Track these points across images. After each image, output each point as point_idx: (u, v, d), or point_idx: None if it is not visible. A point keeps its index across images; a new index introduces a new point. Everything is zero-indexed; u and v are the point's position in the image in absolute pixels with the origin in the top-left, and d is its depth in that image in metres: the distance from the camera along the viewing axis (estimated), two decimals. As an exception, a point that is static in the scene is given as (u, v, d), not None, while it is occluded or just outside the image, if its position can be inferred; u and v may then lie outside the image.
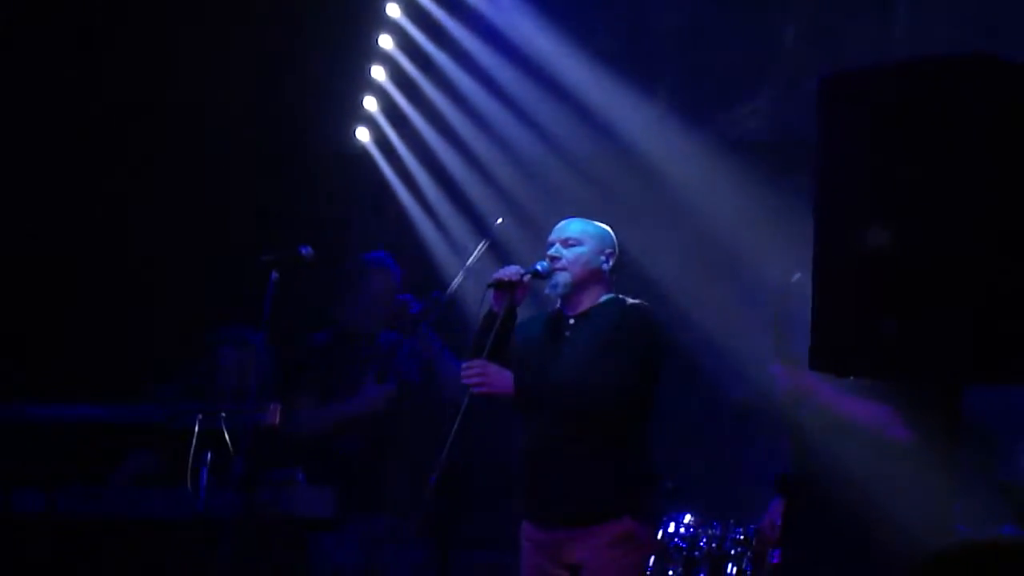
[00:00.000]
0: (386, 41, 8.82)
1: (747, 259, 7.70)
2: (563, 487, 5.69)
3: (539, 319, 5.99)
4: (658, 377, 5.84)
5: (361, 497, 6.79)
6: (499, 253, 8.02)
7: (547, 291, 5.87)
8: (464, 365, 5.69)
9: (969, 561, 2.43)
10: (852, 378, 5.25)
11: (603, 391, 5.65)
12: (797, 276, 3.97)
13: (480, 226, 8.37)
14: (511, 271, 5.78)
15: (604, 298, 5.90)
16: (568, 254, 5.82)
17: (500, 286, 5.74)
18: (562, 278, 5.81)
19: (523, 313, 5.93)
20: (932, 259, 3.74)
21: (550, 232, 5.97)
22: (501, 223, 6.75)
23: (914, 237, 3.78)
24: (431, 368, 6.92)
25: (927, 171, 3.76)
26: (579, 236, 5.87)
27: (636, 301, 5.89)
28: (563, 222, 5.97)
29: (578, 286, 5.84)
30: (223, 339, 7.00)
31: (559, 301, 5.91)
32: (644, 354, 5.75)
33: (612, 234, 5.97)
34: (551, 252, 5.83)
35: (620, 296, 5.91)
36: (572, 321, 5.87)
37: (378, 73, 8.85)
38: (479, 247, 6.33)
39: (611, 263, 5.92)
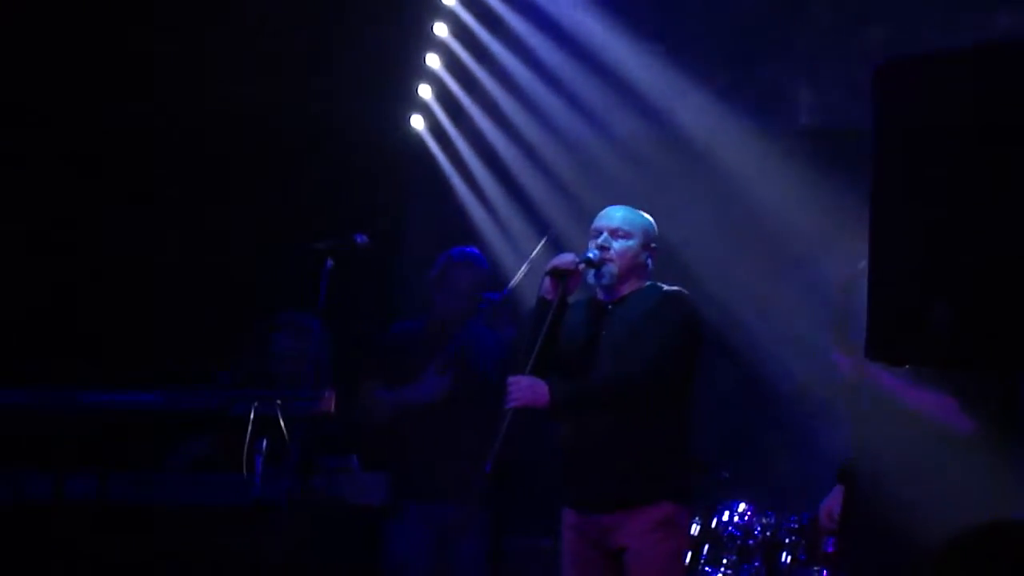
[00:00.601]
0: (441, 29, 8.81)
1: (798, 248, 7.67)
2: (601, 472, 5.74)
3: (579, 306, 6.00)
4: (693, 362, 5.88)
5: (421, 484, 6.82)
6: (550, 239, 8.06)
7: (592, 280, 5.89)
8: (509, 380, 5.71)
9: (997, 538, 2.41)
10: (911, 367, 5.24)
11: (636, 381, 5.68)
12: (863, 264, 3.95)
13: (531, 214, 8.38)
14: (567, 259, 5.80)
15: (643, 285, 5.92)
16: (616, 246, 5.85)
17: (556, 274, 5.77)
18: (608, 269, 5.85)
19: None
20: (989, 247, 3.71)
21: (596, 218, 5.99)
22: (553, 232, 6.79)
23: (972, 224, 3.75)
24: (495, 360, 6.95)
25: (986, 158, 3.73)
26: (628, 228, 5.89)
27: (673, 288, 5.92)
28: (609, 210, 5.99)
29: (622, 277, 5.86)
30: (278, 325, 7.03)
31: (599, 289, 5.94)
32: (678, 338, 5.79)
33: (655, 225, 5.99)
34: (600, 241, 5.86)
35: (658, 284, 5.93)
36: (610, 307, 5.90)
37: (433, 61, 8.85)
38: (540, 243, 6.38)
39: (653, 255, 5.94)
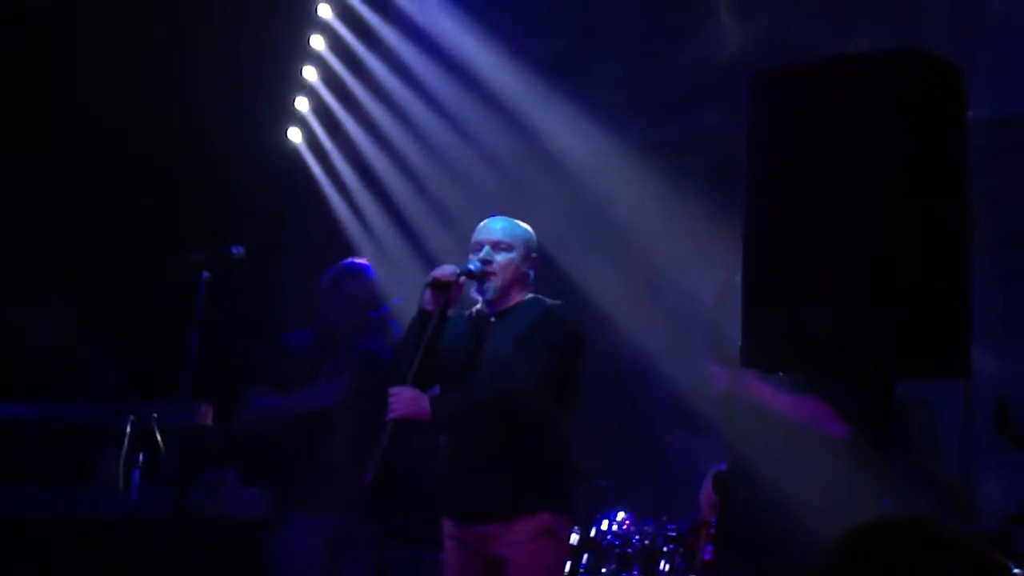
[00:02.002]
0: (317, 41, 8.81)
1: (663, 259, 7.74)
2: (480, 483, 5.75)
3: (462, 318, 6.02)
4: (573, 375, 5.90)
5: (306, 494, 6.79)
6: (424, 251, 8.08)
7: (474, 293, 5.92)
8: (390, 391, 5.70)
9: (884, 536, 2.47)
10: (787, 375, 5.31)
11: (517, 397, 5.70)
12: (738, 277, 4.00)
13: (403, 225, 8.42)
14: (447, 271, 5.80)
15: (525, 297, 5.95)
16: (499, 259, 5.86)
17: (437, 285, 5.77)
18: (491, 284, 5.86)
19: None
20: (860, 254, 3.77)
21: (475, 229, 6.00)
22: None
23: (842, 232, 3.82)
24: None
25: (854, 166, 3.80)
26: (509, 240, 5.91)
27: (555, 302, 5.96)
28: (489, 222, 6.01)
29: (505, 290, 5.89)
30: None
31: (481, 301, 5.96)
32: (558, 353, 5.81)
33: (534, 235, 6.02)
34: (482, 255, 5.87)
35: (540, 297, 5.97)
36: (493, 320, 5.92)
37: (309, 73, 8.84)
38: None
39: (534, 266, 5.97)
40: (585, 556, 7.01)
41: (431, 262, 7.46)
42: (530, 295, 5.99)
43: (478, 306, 6.02)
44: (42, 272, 7.65)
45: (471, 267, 5.84)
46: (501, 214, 6.09)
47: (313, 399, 6.91)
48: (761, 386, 5.46)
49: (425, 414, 5.65)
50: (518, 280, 5.93)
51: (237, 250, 6.15)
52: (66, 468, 6.30)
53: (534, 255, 6.00)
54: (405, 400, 5.61)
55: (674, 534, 6.92)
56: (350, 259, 7.32)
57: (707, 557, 6.59)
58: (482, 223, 6.02)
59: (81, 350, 7.12)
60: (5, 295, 7.37)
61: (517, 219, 6.06)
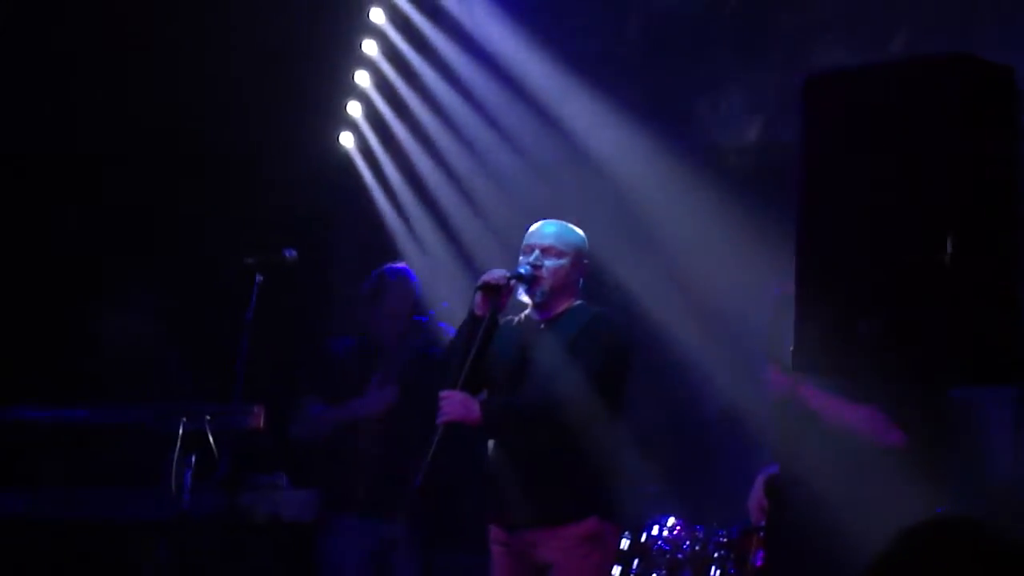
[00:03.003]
0: (370, 47, 8.83)
1: (715, 267, 7.71)
2: (528, 489, 5.74)
3: (510, 324, 6.02)
4: (623, 383, 5.89)
5: (358, 498, 6.81)
6: (470, 258, 8.09)
7: (523, 296, 5.90)
8: (440, 395, 5.71)
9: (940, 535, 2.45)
10: (841, 383, 5.28)
11: (566, 404, 5.68)
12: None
13: (448, 229, 8.43)
14: (498, 275, 5.80)
15: (574, 304, 5.94)
16: (548, 264, 5.85)
17: (487, 289, 5.77)
18: (541, 288, 5.84)
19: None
20: (914, 260, 3.76)
21: (527, 232, 5.99)
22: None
23: (895, 237, 3.80)
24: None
25: (907, 172, 3.78)
26: (560, 246, 5.89)
27: (604, 309, 5.96)
28: (541, 225, 5.99)
29: (554, 295, 5.87)
30: None
31: (530, 307, 5.96)
32: (608, 361, 5.80)
33: (586, 241, 6.01)
34: (532, 260, 5.85)
35: (588, 303, 5.96)
36: (542, 327, 5.91)
37: (362, 79, 8.87)
38: None
39: (584, 273, 5.97)
40: (635, 562, 6.99)
41: (476, 267, 7.49)
42: (578, 302, 5.97)
43: (527, 312, 6.01)
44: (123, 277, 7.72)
45: (521, 271, 5.83)
46: (546, 219, 6.08)
47: (365, 407, 6.94)
48: (816, 393, 5.44)
49: (475, 418, 5.65)
50: (567, 286, 5.93)
51: (290, 253, 6.18)
52: (127, 470, 6.34)
53: (585, 261, 5.99)
54: (455, 404, 5.61)
55: (725, 540, 6.89)
56: (391, 264, 7.33)
57: (758, 563, 6.57)
58: (534, 226, 6.01)
59: (162, 353, 7.19)
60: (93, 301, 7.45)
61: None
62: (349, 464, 6.92)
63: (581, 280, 5.99)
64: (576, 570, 5.71)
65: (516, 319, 6.04)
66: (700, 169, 8.00)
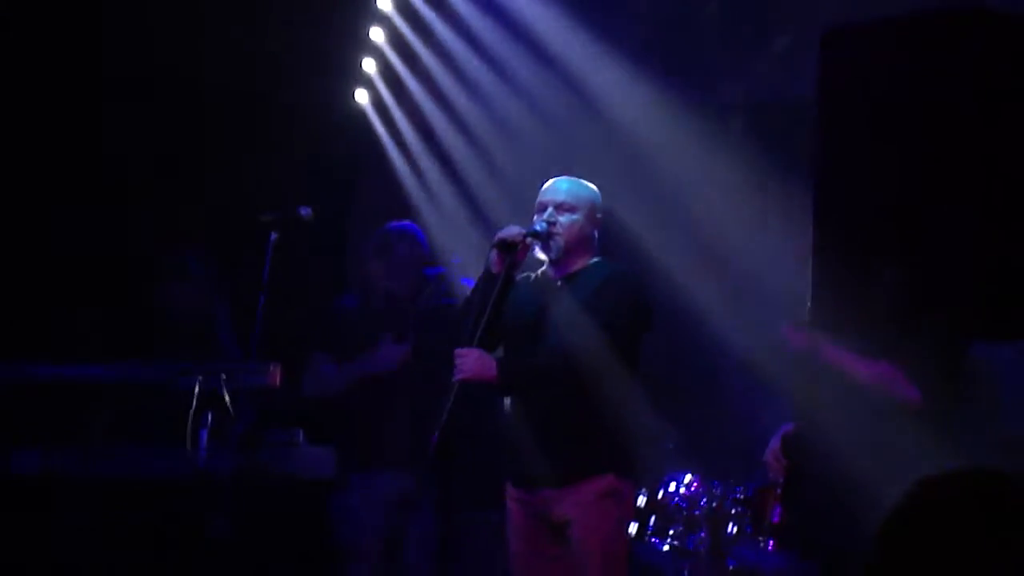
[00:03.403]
0: (384, 2, 8.80)
1: (728, 222, 7.70)
2: (544, 447, 5.74)
3: (527, 281, 6.00)
4: (639, 340, 5.87)
5: (373, 454, 6.82)
6: (483, 214, 8.09)
7: (539, 253, 5.89)
8: (456, 352, 5.69)
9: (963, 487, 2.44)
10: (859, 341, 5.27)
11: (583, 361, 5.67)
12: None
13: (463, 186, 8.42)
14: (514, 231, 5.79)
15: (592, 261, 5.92)
16: (563, 220, 5.84)
17: (503, 247, 5.75)
18: (556, 244, 5.83)
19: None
20: (934, 214, 3.74)
21: (540, 190, 5.97)
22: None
23: (915, 191, 3.78)
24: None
25: (927, 125, 3.76)
26: (573, 201, 5.88)
27: (621, 265, 5.94)
28: (554, 182, 5.98)
29: (569, 251, 5.85)
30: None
31: (546, 264, 5.94)
32: (624, 318, 5.79)
33: (599, 196, 5.99)
34: (546, 216, 5.84)
35: (606, 260, 5.94)
36: (559, 283, 5.90)
37: (376, 35, 8.83)
38: None
39: (599, 227, 5.94)
40: (652, 518, 7.00)
41: (489, 223, 7.48)
42: (596, 259, 5.96)
43: (543, 269, 6.00)
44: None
45: (537, 228, 5.82)
46: (559, 176, 6.05)
47: (377, 363, 6.96)
48: (835, 350, 5.42)
49: (492, 376, 5.64)
50: (583, 241, 5.91)
51: (305, 211, 6.16)
52: (143, 428, 6.35)
53: (599, 215, 5.97)
54: (472, 361, 5.60)
55: (742, 496, 6.90)
56: (397, 222, 7.33)
57: (776, 520, 6.57)
58: (547, 184, 5.99)
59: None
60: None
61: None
62: (363, 421, 6.94)
63: (596, 234, 5.97)
64: (594, 527, 5.71)
65: (532, 276, 6.03)
66: (716, 126, 7.98)
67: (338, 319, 7.20)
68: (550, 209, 5.85)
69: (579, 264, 5.92)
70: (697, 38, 8.51)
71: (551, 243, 5.84)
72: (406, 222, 7.39)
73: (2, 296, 7.68)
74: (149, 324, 7.16)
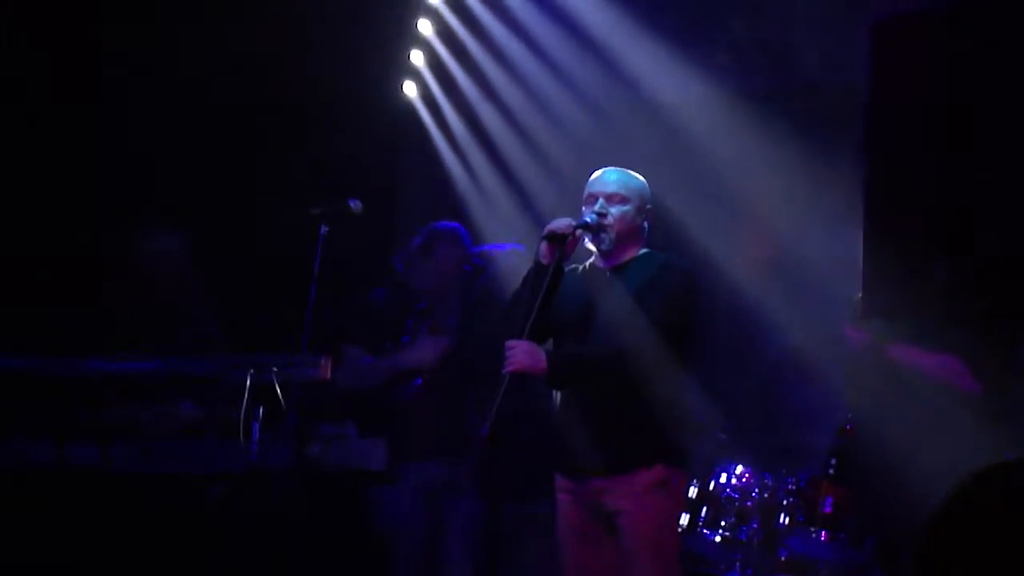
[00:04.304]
0: (431, -6, 8.84)
1: (777, 211, 7.68)
2: (596, 437, 5.72)
3: (575, 273, 5.99)
4: (692, 329, 5.86)
5: (413, 446, 6.84)
6: (531, 206, 8.09)
7: (589, 244, 5.87)
8: (507, 344, 5.69)
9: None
10: (918, 334, 5.26)
11: (634, 354, 5.65)
12: None
13: (510, 177, 8.42)
14: (563, 223, 5.76)
15: (641, 252, 5.91)
16: (614, 211, 5.82)
17: (553, 238, 5.73)
18: (607, 236, 5.82)
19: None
20: (986, 202, 3.72)
21: (588, 181, 5.96)
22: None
23: (967, 180, 3.76)
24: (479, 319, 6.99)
25: (980, 114, 3.74)
26: (624, 193, 5.86)
27: (672, 257, 5.93)
28: (603, 173, 5.95)
29: (620, 242, 5.85)
30: None
31: (595, 255, 5.93)
32: (677, 311, 5.76)
33: (647, 187, 5.97)
34: (598, 207, 5.82)
35: (654, 251, 5.93)
36: (608, 275, 5.89)
37: (425, 27, 8.85)
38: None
39: (649, 218, 5.94)
40: (704, 509, 7.00)
41: (536, 214, 7.49)
42: (644, 250, 5.94)
43: (591, 260, 5.99)
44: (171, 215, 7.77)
45: (587, 220, 5.79)
46: (606, 166, 6.04)
47: (417, 356, 6.99)
48: (899, 347, 5.42)
49: (542, 368, 5.63)
50: (633, 232, 5.90)
51: (354, 204, 6.16)
52: (196, 422, 6.39)
53: (648, 207, 5.96)
54: (522, 353, 5.59)
55: (794, 487, 6.88)
56: (444, 222, 7.35)
57: (828, 510, 6.56)
58: (596, 175, 5.97)
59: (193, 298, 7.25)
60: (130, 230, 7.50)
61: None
62: (408, 413, 6.97)
63: (646, 225, 5.96)
64: (645, 517, 5.69)
65: (581, 267, 6.02)
66: (766, 112, 7.94)
67: (372, 312, 7.23)
68: (601, 200, 5.84)
69: (628, 255, 5.91)
70: (746, 24, 8.49)
71: (602, 235, 5.82)
72: (450, 222, 7.41)
73: (46, 291, 7.74)
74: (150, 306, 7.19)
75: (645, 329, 5.65)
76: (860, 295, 5.51)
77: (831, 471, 6.64)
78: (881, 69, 3.95)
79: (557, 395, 5.87)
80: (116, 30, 8.01)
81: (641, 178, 5.98)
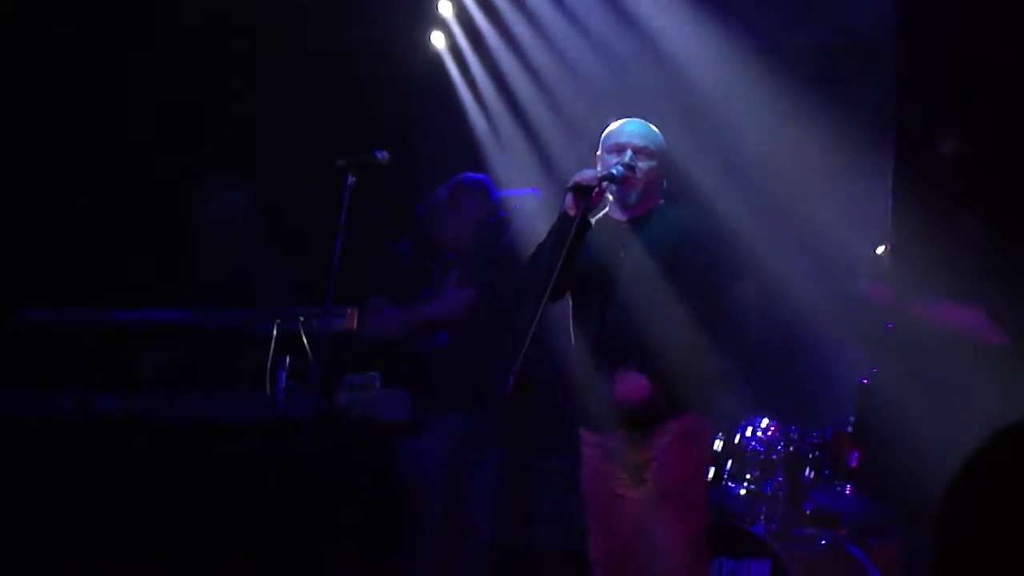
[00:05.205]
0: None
1: (790, 170, 7.65)
2: (624, 389, 5.71)
3: (595, 223, 5.96)
4: (734, 288, 5.87)
5: (437, 397, 6.86)
6: (546, 159, 8.09)
7: (614, 196, 5.84)
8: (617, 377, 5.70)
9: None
10: (942, 289, 5.24)
11: (742, 342, 5.71)
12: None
13: (529, 130, 8.42)
14: (589, 175, 5.72)
15: (659, 203, 5.90)
16: (642, 166, 5.79)
17: (578, 190, 5.70)
18: (635, 189, 5.80)
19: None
20: (1011, 158, 3.70)
21: (609, 131, 5.92)
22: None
23: (993, 136, 3.74)
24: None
25: (1005, 67, 3.71)
26: (652, 147, 5.83)
27: (689, 208, 5.91)
28: (627, 124, 5.90)
29: (643, 196, 5.84)
30: None
31: (609, 204, 5.90)
32: (719, 271, 5.77)
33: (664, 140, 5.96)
34: (627, 160, 5.78)
35: (670, 204, 5.92)
36: (628, 226, 5.87)
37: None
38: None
39: (667, 173, 5.94)
40: (729, 463, 7.00)
41: (554, 170, 7.49)
42: (661, 201, 5.93)
43: (605, 211, 5.95)
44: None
45: (614, 172, 5.74)
46: (626, 118, 6.00)
47: (443, 308, 7.00)
48: (920, 301, 5.39)
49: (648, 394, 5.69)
50: (656, 187, 5.88)
51: (381, 155, 6.14)
52: (223, 372, 6.41)
53: (668, 164, 5.94)
54: (631, 387, 5.64)
55: (819, 441, 6.88)
56: (471, 174, 7.34)
57: (853, 464, 6.55)
58: (618, 125, 5.92)
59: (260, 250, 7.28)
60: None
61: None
62: (427, 363, 6.98)
63: (664, 181, 5.94)
64: (675, 465, 5.68)
65: (600, 218, 5.98)
66: (783, 70, 7.90)
67: (396, 263, 7.24)
68: (629, 152, 5.79)
69: (647, 207, 5.89)
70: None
71: (630, 189, 5.79)
72: (477, 174, 7.40)
73: (75, 243, 7.77)
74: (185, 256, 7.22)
75: (671, 286, 5.64)
76: (880, 250, 5.50)
77: (849, 430, 6.65)
78: (910, 16, 3.93)
79: (580, 349, 5.85)
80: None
81: (658, 131, 5.95)
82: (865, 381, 6.38)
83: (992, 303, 5.21)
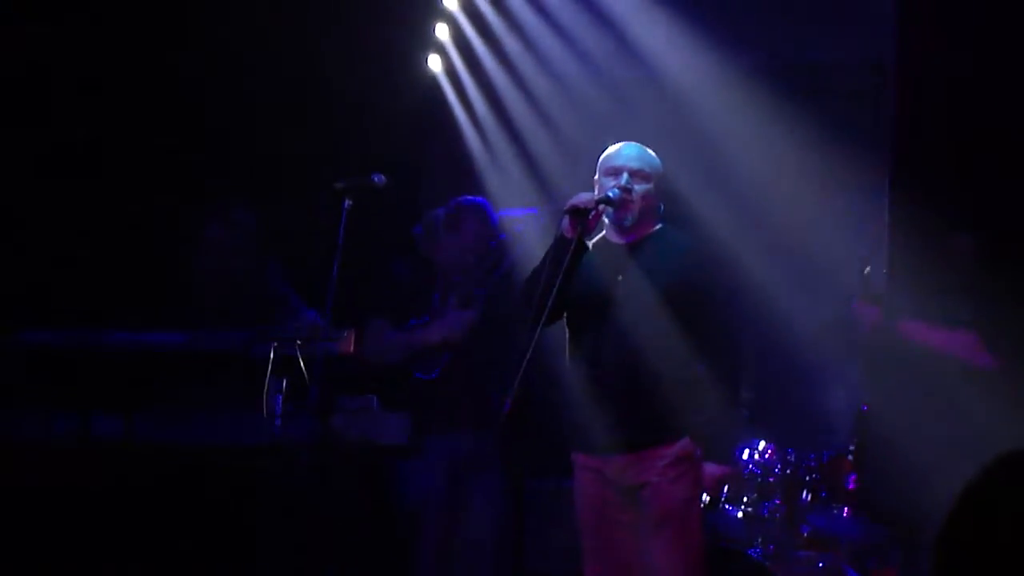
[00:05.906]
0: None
1: (781, 189, 7.65)
2: (621, 414, 5.71)
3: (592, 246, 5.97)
4: (728, 313, 5.89)
5: (437, 419, 6.86)
6: (543, 182, 8.10)
7: (610, 219, 5.85)
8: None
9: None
10: (933, 312, 5.25)
11: (741, 365, 5.73)
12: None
13: (524, 152, 8.43)
14: (586, 198, 5.74)
15: (656, 227, 5.90)
16: (638, 188, 5.80)
17: (575, 213, 5.72)
18: (631, 212, 5.80)
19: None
20: (1010, 179, 3.72)
21: (606, 154, 5.93)
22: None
23: (991, 157, 3.76)
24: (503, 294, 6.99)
25: (1008, 86, 3.73)
26: (648, 170, 5.84)
27: (689, 236, 5.93)
28: (624, 148, 5.91)
29: (639, 219, 5.85)
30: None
31: (606, 227, 5.92)
32: (720, 301, 5.80)
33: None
34: (623, 182, 5.79)
35: (668, 227, 5.92)
36: (626, 251, 5.87)
37: (449, 1, 8.83)
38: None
39: (664, 197, 5.95)
40: (726, 486, 6.99)
41: (552, 194, 7.50)
42: (659, 225, 5.93)
43: (602, 235, 5.96)
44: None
45: (610, 195, 5.75)
46: (622, 141, 6.01)
47: (443, 330, 6.99)
48: (911, 323, 5.40)
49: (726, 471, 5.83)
50: (652, 210, 5.89)
51: (379, 178, 6.15)
52: (219, 395, 6.41)
53: (664, 187, 5.95)
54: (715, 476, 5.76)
55: (816, 464, 6.89)
56: (471, 197, 7.35)
57: (851, 487, 6.56)
58: (615, 149, 5.93)
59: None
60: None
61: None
62: (428, 386, 6.98)
63: (662, 205, 5.95)
64: (670, 490, 5.69)
65: (597, 241, 5.99)
66: (773, 89, 7.91)
67: (395, 286, 7.25)
68: (626, 175, 5.80)
69: (645, 231, 5.89)
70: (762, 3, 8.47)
71: (625, 212, 5.79)
72: (477, 197, 7.41)
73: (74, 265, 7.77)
74: (191, 274, 7.21)
75: (669, 310, 5.65)
76: (869, 268, 5.51)
77: (850, 457, 6.65)
78: (907, 41, 3.95)
79: (581, 373, 5.85)
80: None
81: (655, 155, 5.96)
82: (865, 408, 6.39)
83: (980, 325, 5.22)
